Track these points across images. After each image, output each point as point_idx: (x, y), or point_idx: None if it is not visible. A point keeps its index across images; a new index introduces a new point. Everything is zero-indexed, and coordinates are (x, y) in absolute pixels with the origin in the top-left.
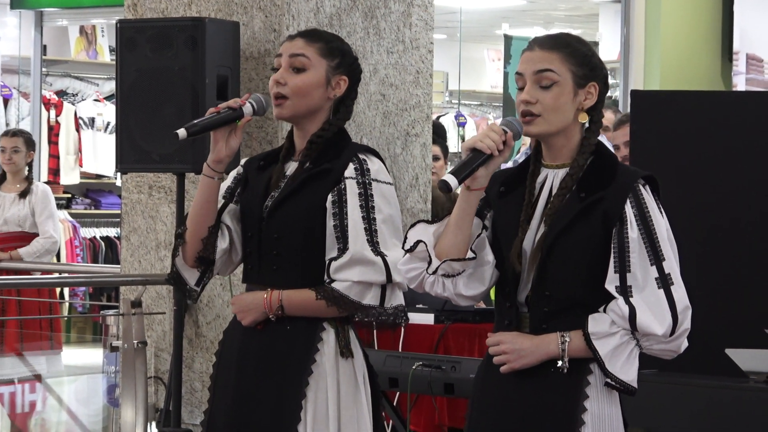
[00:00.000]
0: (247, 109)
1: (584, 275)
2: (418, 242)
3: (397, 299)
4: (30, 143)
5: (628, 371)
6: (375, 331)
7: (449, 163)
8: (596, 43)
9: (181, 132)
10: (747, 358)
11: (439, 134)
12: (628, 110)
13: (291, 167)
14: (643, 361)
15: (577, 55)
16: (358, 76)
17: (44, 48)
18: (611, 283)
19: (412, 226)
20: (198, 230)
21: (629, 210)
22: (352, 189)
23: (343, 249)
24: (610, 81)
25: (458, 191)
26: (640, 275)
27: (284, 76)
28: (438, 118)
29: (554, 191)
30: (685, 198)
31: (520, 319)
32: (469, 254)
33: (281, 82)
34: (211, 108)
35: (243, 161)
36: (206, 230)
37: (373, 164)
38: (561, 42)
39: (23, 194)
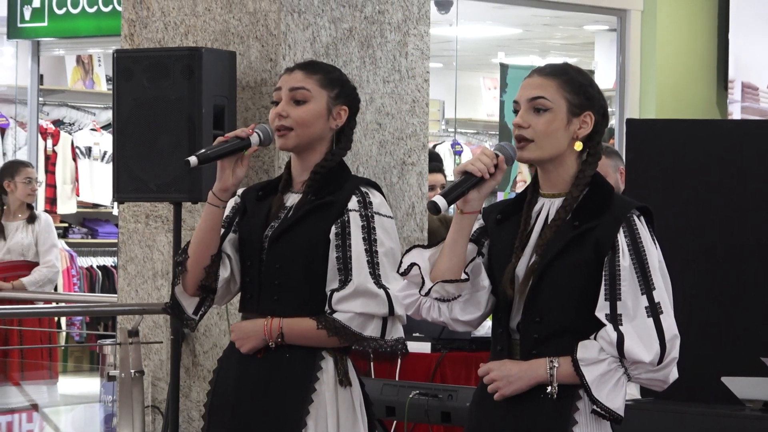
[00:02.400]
0: (254, 139)
1: (575, 302)
2: (412, 265)
3: (397, 332)
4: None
5: (614, 399)
6: (372, 360)
7: None
8: (592, 72)
9: (193, 159)
10: (743, 386)
11: (436, 160)
12: (624, 139)
13: (291, 198)
14: (644, 389)
15: (573, 84)
16: (357, 105)
17: (41, 77)
18: (601, 310)
19: (408, 250)
20: (201, 258)
21: (622, 239)
22: (355, 222)
23: (345, 280)
24: None
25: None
26: (630, 304)
27: (286, 108)
28: (434, 146)
29: (549, 220)
30: (680, 226)
31: (511, 345)
32: (463, 276)
33: (283, 114)
34: (220, 137)
35: (240, 191)
36: (209, 258)
37: (375, 197)
38: (559, 70)
39: (31, 220)
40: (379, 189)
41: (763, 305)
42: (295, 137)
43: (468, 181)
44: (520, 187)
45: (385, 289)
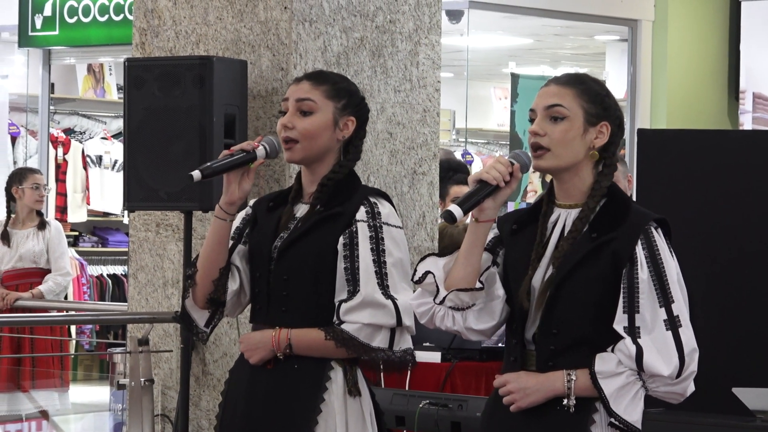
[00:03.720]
0: (260, 152)
1: (592, 314)
2: (426, 273)
3: (405, 343)
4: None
5: (632, 412)
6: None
7: None
8: (603, 82)
9: (196, 174)
10: (754, 397)
11: (463, 171)
12: (635, 148)
13: (300, 209)
14: (650, 400)
15: (591, 93)
16: (365, 115)
17: (52, 86)
18: (620, 323)
19: (422, 258)
20: (209, 272)
21: (640, 251)
22: (363, 232)
23: (353, 291)
24: None
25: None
26: (648, 316)
27: (292, 120)
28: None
29: (566, 231)
30: (691, 236)
31: (526, 356)
32: (477, 284)
33: (289, 126)
34: (225, 150)
35: (252, 202)
36: (218, 272)
37: (384, 208)
38: (576, 79)
39: (41, 226)
40: (388, 199)
41: None
42: (301, 150)
43: (483, 189)
44: (530, 197)
45: (393, 299)
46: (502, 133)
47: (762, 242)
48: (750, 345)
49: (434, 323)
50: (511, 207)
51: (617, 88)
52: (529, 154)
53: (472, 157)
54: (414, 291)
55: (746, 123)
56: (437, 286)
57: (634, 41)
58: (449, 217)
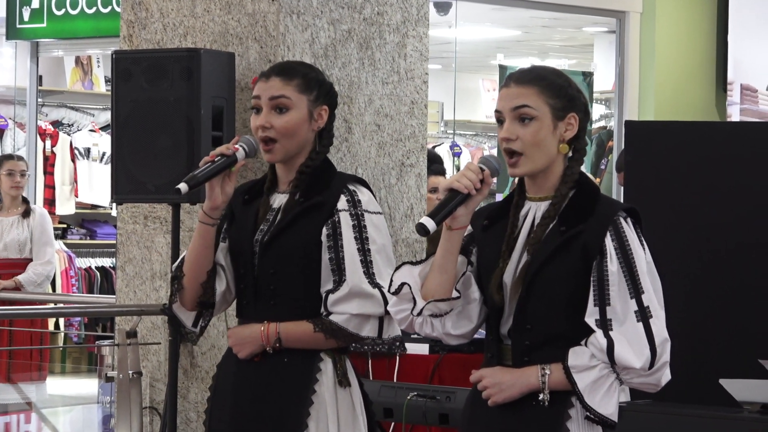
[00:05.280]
0: (240, 154)
1: (565, 308)
2: (402, 285)
3: (394, 330)
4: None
5: (607, 405)
6: (370, 360)
7: None
8: (591, 74)
9: (183, 186)
10: (741, 389)
11: (438, 162)
12: (623, 140)
13: (278, 199)
14: (637, 391)
15: (554, 88)
16: (335, 101)
17: (40, 78)
18: (591, 316)
19: (398, 268)
20: (197, 276)
21: (609, 243)
22: (346, 221)
23: (339, 281)
24: (605, 111)
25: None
26: (619, 308)
27: (268, 119)
28: (433, 148)
29: (536, 223)
30: (678, 227)
31: (502, 351)
32: (454, 293)
33: (266, 125)
34: (205, 157)
35: None
36: (205, 275)
37: (363, 195)
38: (536, 76)
39: (26, 214)
40: (366, 185)
41: (761, 307)
42: (281, 149)
43: (454, 198)
44: None
45: (380, 288)
46: (491, 125)
47: (749, 234)
48: (737, 336)
49: (413, 329)
50: (500, 198)
51: (605, 80)
52: (498, 159)
53: (460, 148)
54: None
55: (734, 114)
56: (413, 297)
57: (622, 33)
58: (422, 230)
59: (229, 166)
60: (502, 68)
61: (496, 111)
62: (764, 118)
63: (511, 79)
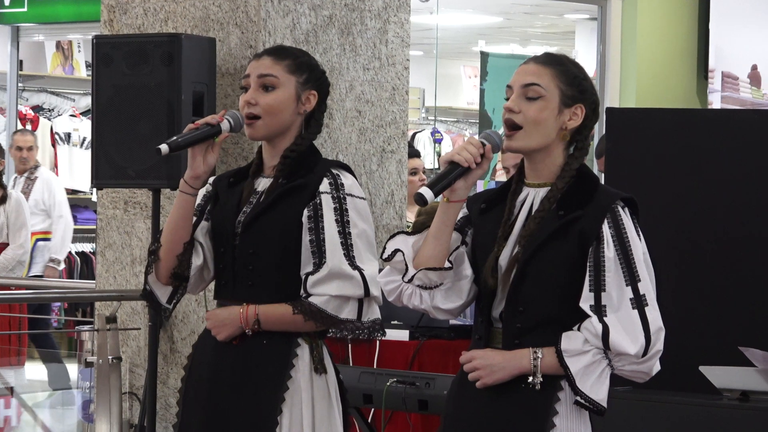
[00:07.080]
0: (225, 125)
1: (558, 293)
2: (395, 251)
3: (373, 313)
4: (1, 151)
5: (598, 390)
6: (350, 346)
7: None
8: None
9: (164, 147)
10: (721, 376)
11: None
12: (604, 127)
13: (262, 183)
14: (617, 378)
15: (568, 75)
16: (327, 89)
17: (20, 63)
18: (586, 301)
19: (392, 236)
20: (173, 247)
21: (606, 230)
22: (327, 204)
23: (319, 263)
24: None
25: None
26: (615, 295)
27: (255, 96)
28: (414, 134)
29: (534, 210)
30: (659, 215)
31: (492, 333)
32: (446, 264)
33: (252, 102)
34: (190, 124)
35: (212, 179)
36: (182, 246)
37: (347, 179)
38: (555, 60)
39: (2, 200)
40: (350, 171)
41: (742, 295)
42: (263, 126)
43: (454, 170)
44: (499, 176)
45: (360, 270)
46: (472, 112)
47: (731, 221)
48: (718, 324)
49: (402, 301)
50: (480, 186)
51: (587, 67)
52: (500, 132)
53: (441, 135)
54: (378, 262)
55: (715, 102)
56: (406, 264)
57: (603, 20)
58: (420, 199)
59: (213, 135)
60: (484, 55)
61: (508, 86)
62: (745, 106)
63: (532, 59)
